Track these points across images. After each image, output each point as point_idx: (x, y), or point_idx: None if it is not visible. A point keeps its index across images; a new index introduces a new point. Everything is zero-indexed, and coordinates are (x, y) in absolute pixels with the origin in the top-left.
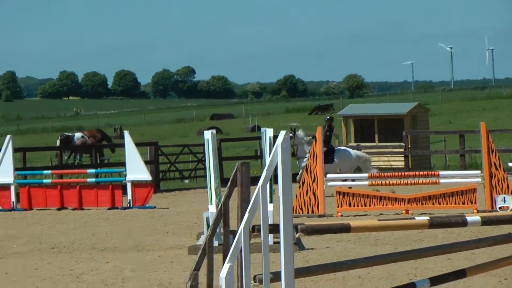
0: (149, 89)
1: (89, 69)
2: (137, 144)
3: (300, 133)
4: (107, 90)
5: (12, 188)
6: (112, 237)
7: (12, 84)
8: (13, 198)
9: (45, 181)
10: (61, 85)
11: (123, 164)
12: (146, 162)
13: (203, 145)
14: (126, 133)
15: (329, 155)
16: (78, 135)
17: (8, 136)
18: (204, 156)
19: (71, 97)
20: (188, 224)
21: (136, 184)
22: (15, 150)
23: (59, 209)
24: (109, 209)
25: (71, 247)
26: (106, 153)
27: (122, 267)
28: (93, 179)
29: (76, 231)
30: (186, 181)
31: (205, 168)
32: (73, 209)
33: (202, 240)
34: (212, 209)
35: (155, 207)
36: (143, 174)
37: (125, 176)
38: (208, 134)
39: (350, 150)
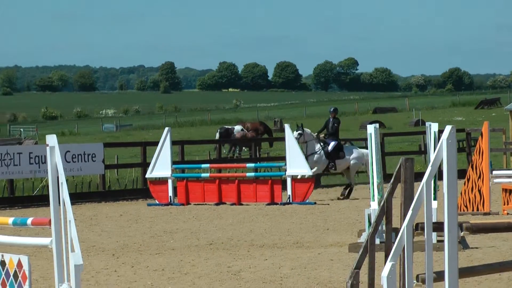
0: (310, 81)
1: (249, 60)
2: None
3: (307, 130)
4: (268, 82)
5: (170, 182)
6: (271, 234)
7: (170, 75)
8: (170, 193)
9: (203, 175)
10: (220, 76)
11: (283, 158)
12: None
13: (365, 139)
14: (287, 127)
15: (340, 150)
16: (237, 128)
17: (166, 128)
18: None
19: (230, 89)
20: (349, 221)
21: (296, 179)
22: (173, 143)
23: (217, 204)
24: (268, 204)
25: (228, 243)
26: (264, 147)
27: (280, 264)
28: (252, 174)
29: (234, 227)
30: None
31: (367, 164)
32: (231, 204)
33: (363, 238)
34: (374, 205)
35: (315, 203)
36: (304, 169)
37: (285, 170)
38: (371, 128)
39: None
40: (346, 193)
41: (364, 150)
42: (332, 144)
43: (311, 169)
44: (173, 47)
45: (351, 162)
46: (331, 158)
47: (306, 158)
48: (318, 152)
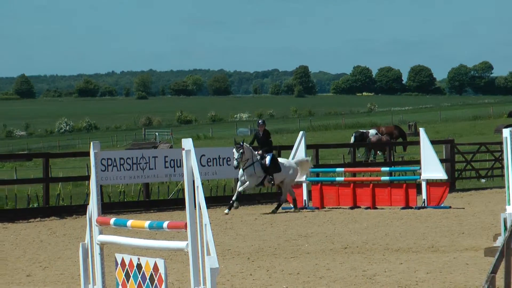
0: (444, 85)
1: (383, 64)
2: (433, 142)
3: (246, 144)
4: (402, 85)
5: (304, 186)
6: (405, 238)
7: (304, 79)
8: (305, 196)
9: (337, 179)
10: (354, 80)
11: (417, 162)
12: (442, 161)
13: (501, 143)
14: (422, 130)
15: (277, 164)
16: (372, 132)
17: (301, 132)
18: (501, 155)
19: (364, 93)
20: (484, 225)
21: (431, 183)
22: (308, 146)
23: (351, 208)
24: (403, 208)
25: (363, 247)
26: (398, 151)
27: (416, 268)
28: (386, 178)
29: (369, 230)
30: (483, 180)
31: (502, 167)
32: (366, 208)
33: (499, 242)
34: (510, 209)
35: (450, 207)
36: (439, 173)
37: (420, 174)
38: (506, 132)
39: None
40: (275, 208)
41: (293, 163)
42: (269, 157)
43: (244, 183)
44: (307, 51)
45: (288, 175)
46: (269, 172)
47: (243, 170)
48: (256, 165)
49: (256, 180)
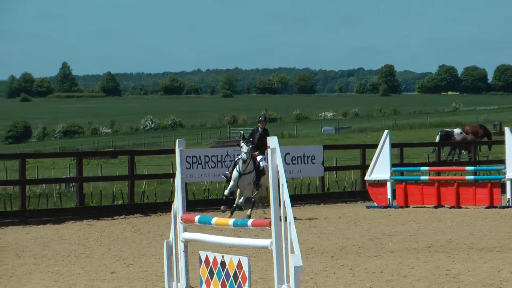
0: None
1: (469, 63)
2: None
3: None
4: (487, 85)
5: (389, 184)
6: (490, 237)
7: (390, 78)
8: (389, 195)
9: (422, 177)
10: (440, 79)
11: (502, 161)
12: None
13: None
14: (507, 130)
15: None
16: (457, 131)
17: (386, 131)
18: None
19: (449, 92)
20: None
21: None
22: (392, 145)
23: (435, 207)
24: (487, 207)
25: (447, 246)
26: (483, 150)
27: (500, 268)
28: (471, 177)
29: (453, 229)
30: None
31: None
32: (450, 207)
33: None
34: None
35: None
36: None
37: (505, 174)
38: None
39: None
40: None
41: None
42: (263, 162)
43: (239, 190)
44: (393, 50)
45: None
46: (259, 177)
47: (239, 174)
48: (253, 171)
49: (253, 191)
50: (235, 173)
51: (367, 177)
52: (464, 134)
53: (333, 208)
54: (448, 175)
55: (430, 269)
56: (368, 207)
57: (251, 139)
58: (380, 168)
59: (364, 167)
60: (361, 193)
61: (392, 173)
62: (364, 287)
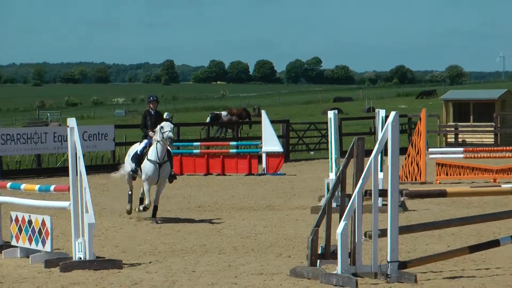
0: (283, 75)
1: (235, 58)
2: (272, 122)
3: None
4: (249, 76)
5: None
6: (248, 199)
7: (170, 71)
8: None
9: (194, 151)
10: (210, 71)
11: (259, 138)
12: (279, 137)
13: (326, 123)
14: (264, 112)
15: None
16: (224, 113)
17: (166, 113)
18: (327, 132)
19: (218, 82)
20: (311, 189)
21: (269, 155)
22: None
23: (205, 175)
24: (247, 175)
25: (214, 206)
26: (245, 129)
27: (255, 223)
28: (234, 150)
29: (218, 193)
30: (312, 152)
31: (327, 142)
32: (217, 175)
33: (323, 202)
34: (332, 176)
35: (285, 174)
36: (276, 146)
37: (261, 148)
38: (331, 114)
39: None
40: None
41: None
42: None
43: (156, 183)
44: (173, 48)
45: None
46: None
47: (159, 165)
48: (167, 160)
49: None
50: (149, 165)
51: None
52: (230, 116)
53: (124, 176)
54: (215, 149)
55: (200, 225)
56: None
57: (147, 123)
58: None
59: None
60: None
61: (171, 148)
62: (145, 240)
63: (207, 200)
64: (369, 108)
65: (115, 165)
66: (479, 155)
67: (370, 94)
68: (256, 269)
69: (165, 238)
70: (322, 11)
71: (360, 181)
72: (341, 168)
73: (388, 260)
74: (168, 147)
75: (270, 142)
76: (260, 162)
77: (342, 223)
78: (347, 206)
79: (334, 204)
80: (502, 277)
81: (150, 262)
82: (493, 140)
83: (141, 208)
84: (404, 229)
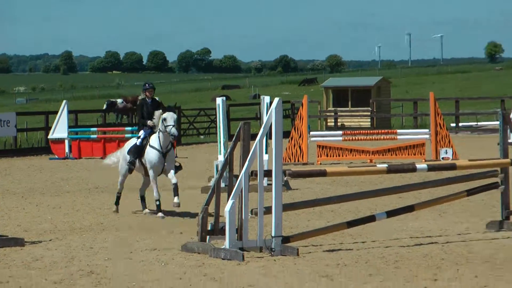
0: (175, 65)
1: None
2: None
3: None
4: (143, 66)
5: (66, 141)
6: (141, 180)
7: (68, 61)
8: (67, 149)
9: (92, 136)
10: (106, 62)
11: None
12: None
13: (215, 109)
14: (156, 99)
15: None
16: (119, 100)
17: (64, 101)
18: (216, 117)
19: (114, 72)
20: (202, 170)
21: None
22: (70, 112)
23: (102, 158)
24: None
25: (110, 188)
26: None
27: (150, 203)
28: (129, 135)
29: (115, 175)
30: (202, 137)
31: (216, 127)
32: None
33: (212, 182)
34: (221, 158)
35: (177, 156)
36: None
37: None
38: (219, 100)
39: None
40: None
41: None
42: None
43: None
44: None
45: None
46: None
47: (163, 155)
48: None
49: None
50: (153, 152)
51: (50, 136)
52: (125, 103)
53: (24, 160)
54: (112, 134)
55: (97, 204)
56: (51, 159)
57: (143, 113)
58: (60, 129)
59: (47, 129)
60: (46, 148)
61: (69, 133)
62: (46, 219)
63: (104, 181)
64: (255, 95)
65: (16, 150)
66: (356, 138)
67: (256, 82)
68: (149, 245)
69: (65, 217)
70: (211, 5)
71: (247, 162)
72: (229, 150)
73: (273, 235)
74: None
75: None
76: None
77: (230, 202)
78: (234, 186)
79: (222, 184)
80: (376, 250)
81: (50, 240)
82: (369, 123)
83: (160, 215)
84: (287, 207)
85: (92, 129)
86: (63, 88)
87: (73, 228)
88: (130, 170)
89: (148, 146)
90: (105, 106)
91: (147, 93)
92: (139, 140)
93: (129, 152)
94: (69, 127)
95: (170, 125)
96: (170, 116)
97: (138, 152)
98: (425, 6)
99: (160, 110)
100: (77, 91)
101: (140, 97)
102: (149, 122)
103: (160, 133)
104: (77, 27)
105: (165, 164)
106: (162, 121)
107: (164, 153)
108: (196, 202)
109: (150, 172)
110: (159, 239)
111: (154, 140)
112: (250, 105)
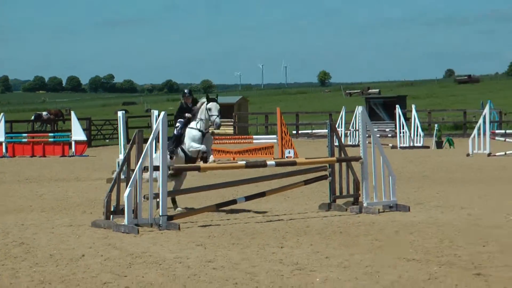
0: (87, 87)
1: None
2: (79, 119)
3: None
4: (62, 87)
5: (4, 144)
6: (62, 173)
7: (5, 83)
8: (4, 150)
9: (23, 140)
10: (35, 84)
11: (70, 130)
12: (84, 129)
13: (117, 120)
14: (73, 113)
15: None
16: (45, 113)
17: (2, 113)
18: (118, 126)
19: (41, 91)
20: (107, 165)
21: (77, 142)
22: (6, 121)
23: (31, 157)
24: (61, 156)
25: (38, 179)
26: (59, 125)
27: (67, 190)
28: (52, 139)
29: (40, 169)
30: (107, 140)
31: (118, 133)
32: (40, 157)
33: (114, 175)
34: (121, 157)
35: (88, 156)
36: (82, 136)
37: (71, 137)
38: (120, 113)
39: None
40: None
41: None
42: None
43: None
44: (7, 65)
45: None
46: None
47: (203, 136)
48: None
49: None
50: (194, 131)
51: None
52: (49, 115)
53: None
54: (38, 138)
55: (27, 192)
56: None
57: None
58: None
59: None
60: None
61: (6, 138)
62: None
63: (32, 174)
64: (147, 109)
65: None
66: (223, 142)
67: (148, 100)
68: (67, 222)
69: (2, 201)
70: (116, 42)
71: (140, 160)
72: (127, 151)
73: (160, 214)
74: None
75: (77, 133)
76: (70, 147)
77: (128, 189)
78: (131, 177)
79: (122, 176)
80: (238, 225)
81: None
82: (233, 131)
83: (179, 209)
84: (171, 193)
85: (23, 134)
86: (1, 103)
87: (8, 210)
88: (170, 158)
89: (187, 129)
90: (33, 117)
91: (186, 100)
92: (177, 130)
93: (168, 142)
94: (6, 133)
95: (215, 115)
96: (215, 106)
97: (177, 140)
98: (275, 43)
99: (204, 100)
100: (12, 106)
101: (180, 101)
102: (187, 114)
103: (201, 121)
104: (13, 55)
105: (205, 143)
106: (207, 110)
107: (204, 133)
108: (102, 189)
109: (192, 145)
110: (74, 217)
111: (193, 124)
112: (144, 117)
